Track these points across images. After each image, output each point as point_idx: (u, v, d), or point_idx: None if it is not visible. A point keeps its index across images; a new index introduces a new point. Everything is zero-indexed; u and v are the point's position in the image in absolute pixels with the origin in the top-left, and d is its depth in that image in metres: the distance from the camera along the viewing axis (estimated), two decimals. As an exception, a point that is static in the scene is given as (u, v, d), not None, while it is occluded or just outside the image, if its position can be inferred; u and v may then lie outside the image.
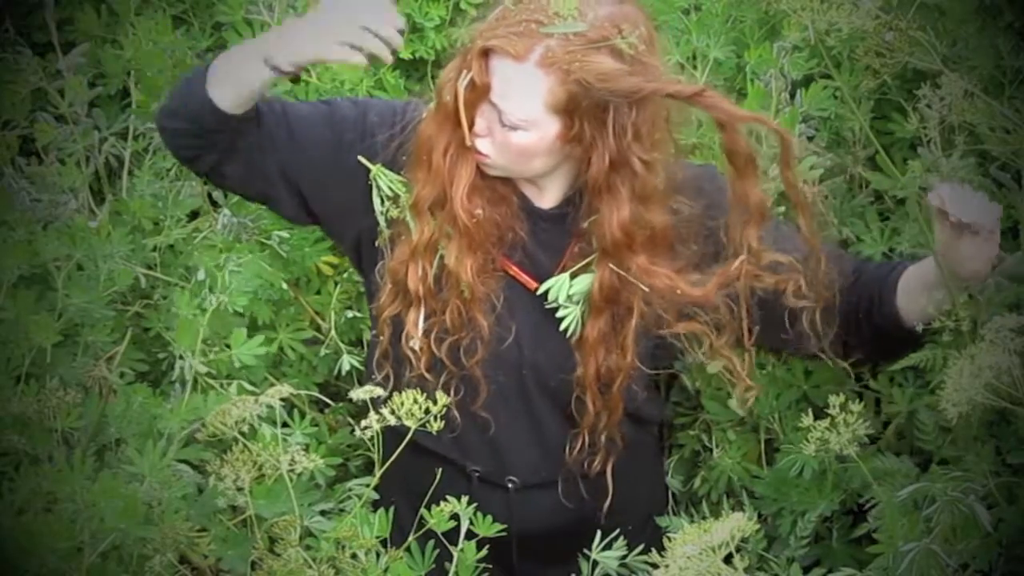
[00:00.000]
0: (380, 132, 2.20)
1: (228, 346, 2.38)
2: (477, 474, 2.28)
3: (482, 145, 2.10)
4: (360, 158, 2.19)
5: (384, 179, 2.19)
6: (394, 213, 2.18)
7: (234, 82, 2.12)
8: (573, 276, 2.18)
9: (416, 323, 2.19)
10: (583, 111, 2.05)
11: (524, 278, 2.20)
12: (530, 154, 2.10)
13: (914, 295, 2.15)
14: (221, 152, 2.17)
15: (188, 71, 2.24)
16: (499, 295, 2.19)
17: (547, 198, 2.20)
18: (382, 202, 2.19)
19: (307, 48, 2.07)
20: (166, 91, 2.71)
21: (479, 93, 2.06)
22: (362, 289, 2.50)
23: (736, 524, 1.62)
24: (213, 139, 2.16)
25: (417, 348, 2.20)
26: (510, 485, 2.28)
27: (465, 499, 1.95)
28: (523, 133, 2.07)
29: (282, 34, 2.12)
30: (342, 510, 2.25)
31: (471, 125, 2.08)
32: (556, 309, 2.19)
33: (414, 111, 2.21)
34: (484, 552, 1.96)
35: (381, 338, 2.24)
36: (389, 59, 2.06)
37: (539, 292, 2.19)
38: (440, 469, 2.17)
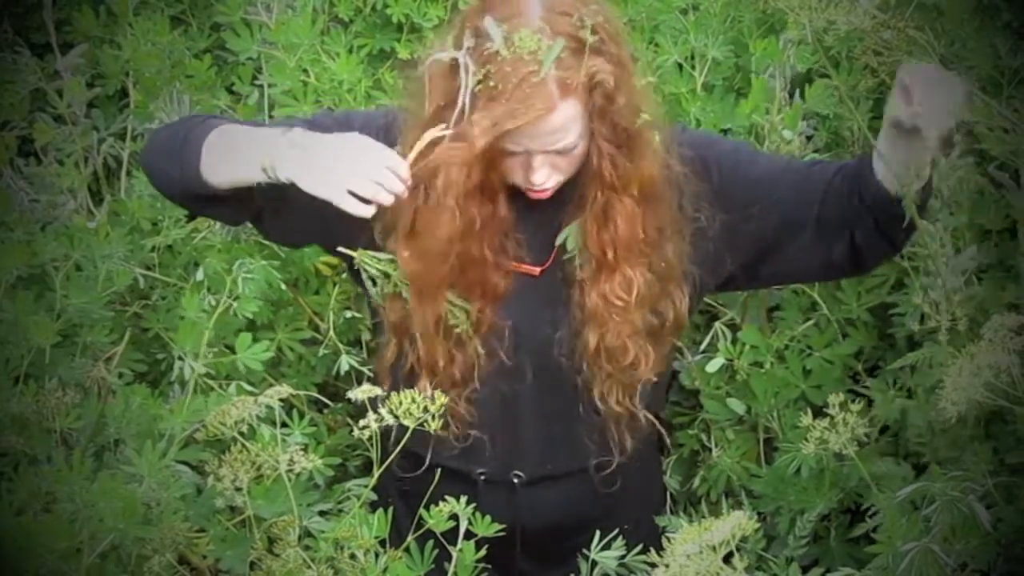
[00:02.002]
0: None
1: (227, 347, 2.38)
2: (483, 477, 2.28)
3: (542, 178, 2.07)
4: (341, 249, 2.17)
5: (371, 261, 2.16)
6: (389, 289, 2.15)
7: (229, 173, 2.10)
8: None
9: (426, 387, 2.18)
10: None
11: (526, 268, 2.19)
12: (581, 158, 2.09)
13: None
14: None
15: (180, 137, 2.16)
16: (508, 300, 2.18)
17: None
18: (374, 283, 2.16)
19: (317, 187, 2.03)
20: (163, 93, 2.72)
21: (527, 159, 2.06)
22: (360, 290, 2.50)
23: (736, 523, 1.62)
24: (200, 203, 2.17)
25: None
26: (515, 480, 2.29)
27: (464, 499, 1.95)
28: (578, 147, 2.06)
29: (291, 150, 2.05)
30: (340, 510, 2.25)
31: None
32: (554, 290, 2.18)
33: (394, 122, 2.18)
34: (483, 552, 1.96)
35: (384, 386, 2.16)
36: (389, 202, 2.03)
37: (557, 243, 2.16)
38: (444, 474, 2.17)
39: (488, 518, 1.95)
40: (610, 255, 2.13)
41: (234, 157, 2.10)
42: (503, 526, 1.97)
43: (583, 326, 2.17)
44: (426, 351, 2.18)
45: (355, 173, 2.01)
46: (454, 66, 2.01)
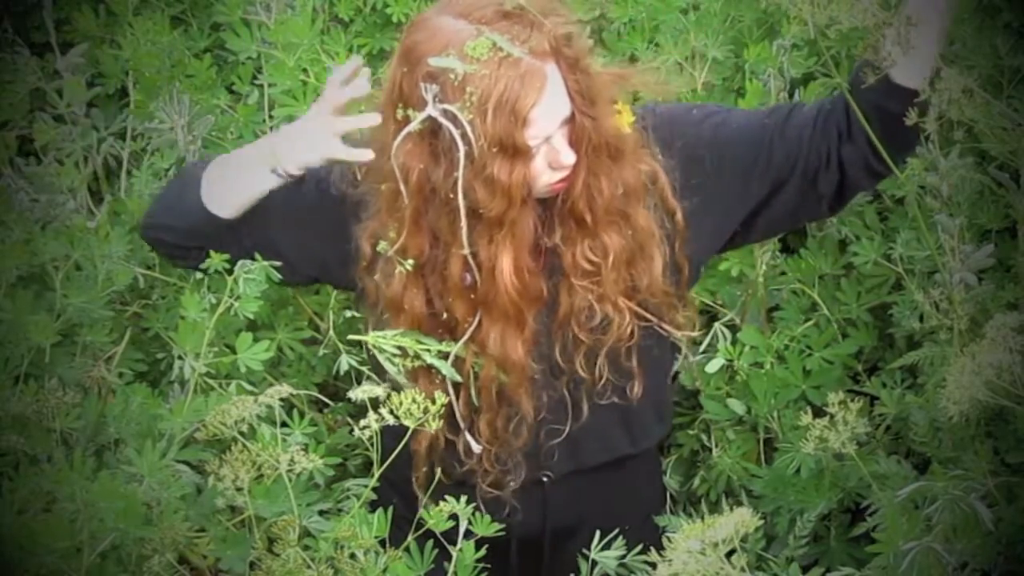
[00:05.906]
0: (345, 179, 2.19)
1: (228, 347, 2.38)
2: (512, 483, 2.27)
3: (571, 156, 2.06)
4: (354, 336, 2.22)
5: (386, 343, 2.13)
6: (408, 364, 2.13)
7: (237, 191, 2.18)
8: None
9: (470, 442, 2.21)
10: None
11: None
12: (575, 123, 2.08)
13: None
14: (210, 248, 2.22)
15: (173, 180, 2.29)
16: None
17: None
18: (392, 362, 2.13)
19: (315, 152, 2.12)
20: (163, 92, 2.72)
21: (549, 148, 2.05)
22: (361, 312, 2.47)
23: (739, 520, 1.62)
24: (206, 242, 2.22)
25: (478, 452, 2.21)
26: (544, 479, 2.29)
27: (464, 498, 1.95)
28: (571, 111, 2.05)
29: (285, 140, 2.15)
30: (340, 510, 2.25)
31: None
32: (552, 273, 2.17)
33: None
34: (482, 552, 1.96)
35: None
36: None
37: None
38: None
39: (488, 518, 1.95)
40: (589, 219, 2.11)
41: (238, 178, 2.18)
42: (503, 526, 1.97)
43: (558, 288, 2.15)
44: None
45: (329, 123, 2.12)
46: (428, 128, 2.01)
